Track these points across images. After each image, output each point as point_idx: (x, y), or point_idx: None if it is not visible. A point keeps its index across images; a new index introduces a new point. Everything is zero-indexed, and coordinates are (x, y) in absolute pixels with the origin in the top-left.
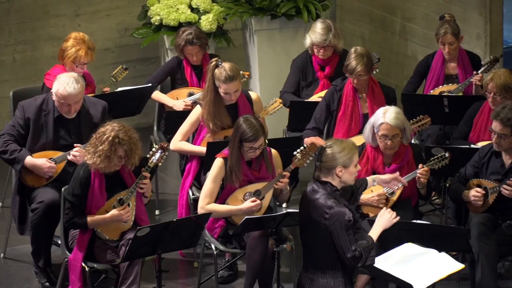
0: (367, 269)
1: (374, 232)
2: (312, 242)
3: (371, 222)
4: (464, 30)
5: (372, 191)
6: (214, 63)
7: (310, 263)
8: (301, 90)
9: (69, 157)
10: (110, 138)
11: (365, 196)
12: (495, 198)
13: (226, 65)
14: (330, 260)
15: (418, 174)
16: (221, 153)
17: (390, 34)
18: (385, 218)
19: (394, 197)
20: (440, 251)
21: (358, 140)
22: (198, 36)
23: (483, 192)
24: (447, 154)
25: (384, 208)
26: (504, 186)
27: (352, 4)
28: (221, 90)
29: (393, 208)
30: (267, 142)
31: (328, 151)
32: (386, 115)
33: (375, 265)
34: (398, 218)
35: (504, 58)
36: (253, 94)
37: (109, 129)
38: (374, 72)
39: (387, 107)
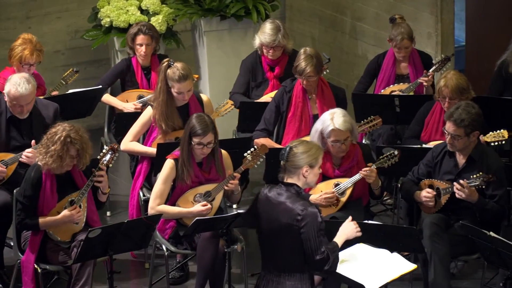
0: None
1: (339, 239)
2: (277, 245)
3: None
4: (415, 30)
5: (321, 190)
6: (166, 63)
7: (274, 265)
8: (251, 90)
9: (22, 159)
10: (62, 137)
11: (314, 196)
12: (448, 199)
13: (179, 65)
14: (298, 262)
15: (361, 174)
16: (171, 154)
17: (340, 34)
18: (350, 228)
19: (344, 198)
20: (392, 251)
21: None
22: (151, 28)
23: (434, 193)
24: (396, 152)
25: (350, 218)
26: (457, 186)
27: (302, 4)
28: (174, 90)
29: (344, 208)
30: (217, 143)
31: (295, 150)
32: (334, 121)
33: None
34: (360, 234)
35: (456, 57)
36: (204, 96)
37: (60, 129)
38: (324, 72)
39: (333, 110)
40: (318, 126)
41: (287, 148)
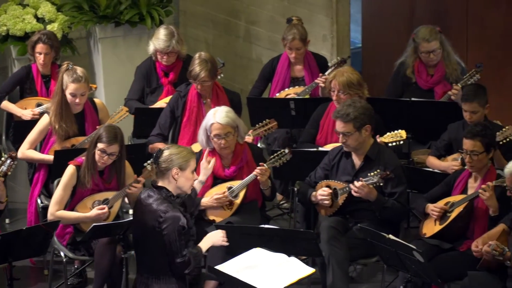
0: (215, 274)
1: (203, 245)
2: (146, 247)
3: (218, 227)
4: (310, 32)
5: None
6: (65, 65)
7: (144, 268)
8: (146, 96)
9: None
10: None
11: (205, 199)
12: (345, 200)
13: (78, 68)
14: (164, 265)
15: (255, 173)
16: (74, 161)
17: (234, 38)
18: (216, 236)
19: (238, 200)
20: (289, 255)
21: (196, 147)
22: (50, 38)
23: (330, 190)
24: (287, 150)
25: (220, 231)
26: (354, 184)
27: (196, 9)
28: (68, 91)
29: (239, 212)
30: (123, 156)
31: (165, 153)
32: (216, 115)
33: (223, 270)
34: (226, 243)
35: (352, 59)
36: (97, 100)
37: None
38: (219, 77)
39: (218, 107)
40: (203, 123)
41: (158, 151)
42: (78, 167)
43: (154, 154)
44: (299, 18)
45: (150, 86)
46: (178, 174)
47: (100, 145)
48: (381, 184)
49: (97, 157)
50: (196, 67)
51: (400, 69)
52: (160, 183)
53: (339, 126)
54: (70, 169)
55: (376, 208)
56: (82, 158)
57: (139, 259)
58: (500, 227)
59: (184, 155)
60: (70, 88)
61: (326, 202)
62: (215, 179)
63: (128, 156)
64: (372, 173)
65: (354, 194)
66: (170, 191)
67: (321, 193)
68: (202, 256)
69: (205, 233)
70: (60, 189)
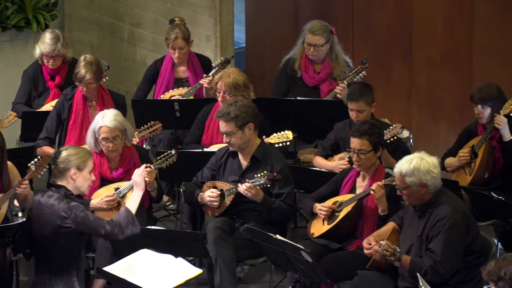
0: (103, 276)
1: (129, 200)
2: (49, 247)
3: None
4: (194, 33)
5: (102, 195)
6: None
7: (45, 267)
8: (33, 100)
9: None
10: None
11: (95, 201)
12: (232, 200)
13: None
14: (65, 263)
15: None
16: None
17: (118, 40)
18: (137, 174)
19: (126, 200)
20: (176, 256)
21: None
22: None
23: (218, 192)
24: (173, 152)
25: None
26: (241, 186)
27: (80, 12)
28: None
29: None
30: (4, 158)
31: (63, 153)
32: (104, 119)
33: (110, 271)
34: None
35: (236, 59)
36: None
37: None
38: (104, 79)
39: (106, 110)
40: (91, 126)
41: (56, 152)
42: None
43: (52, 155)
44: (181, 19)
45: (37, 89)
46: (76, 174)
47: None
48: (268, 185)
49: None
50: (82, 70)
51: (286, 65)
52: (59, 182)
53: (222, 126)
54: None
55: (263, 209)
56: None
57: (40, 259)
58: (390, 225)
59: (82, 156)
60: None
61: (215, 203)
62: (103, 181)
63: (16, 160)
64: (259, 174)
65: (241, 190)
66: (69, 190)
67: (210, 194)
68: (131, 213)
69: None
70: None
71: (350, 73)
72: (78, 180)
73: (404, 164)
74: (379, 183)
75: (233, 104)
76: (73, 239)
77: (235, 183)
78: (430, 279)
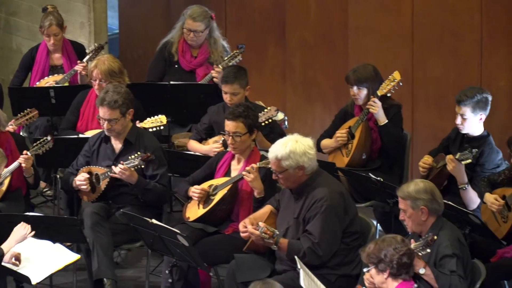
0: None
1: (6, 245)
2: None
3: None
4: (68, 20)
5: None
6: None
7: None
8: None
9: None
10: None
11: None
12: (107, 185)
13: None
14: None
15: (19, 161)
16: None
17: None
18: (19, 232)
19: (4, 187)
20: (54, 242)
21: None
22: None
23: (87, 176)
24: (49, 138)
25: (22, 223)
26: (116, 167)
27: None
28: None
29: (3, 200)
30: None
31: None
32: None
33: None
34: (33, 233)
35: (110, 45)
36: None
37: None
38: None
39: None
40: None
41: None
42: None
43: None
44: (54, 6)
45: None
46: None
47: None
48: (142, 166)
49: None
50: None
51: (164, 48)
52: None
53: (105, 113)
54: None
55: (138, 191)
56: None
57: None
58: (267, 208)
59: None
60: None
61: (84, 187)
62: None
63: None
64: (132, 156)
65: (115, 174)
66: None
67: (79, 178)
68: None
69: None
70: None
71: (226, 58)
72: None
73: (279, 148)
74: (253, 165)
75: (115, 92)
76: None
77: (110, 168)
78: (309, 261)
